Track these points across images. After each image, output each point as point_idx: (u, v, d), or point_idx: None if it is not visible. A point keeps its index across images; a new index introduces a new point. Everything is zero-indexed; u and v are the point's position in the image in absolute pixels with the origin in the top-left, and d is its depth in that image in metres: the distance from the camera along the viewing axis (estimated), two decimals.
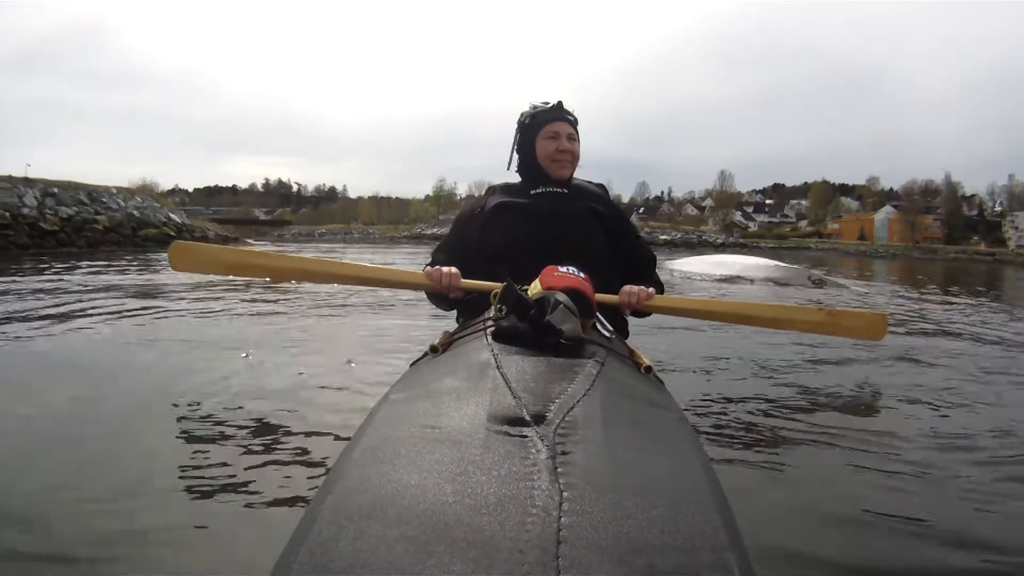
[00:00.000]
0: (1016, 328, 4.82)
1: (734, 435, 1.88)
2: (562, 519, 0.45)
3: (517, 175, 1.79)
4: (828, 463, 1.69)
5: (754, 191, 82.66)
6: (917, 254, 42.85)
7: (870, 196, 70.57)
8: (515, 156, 1.77)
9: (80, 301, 4.63)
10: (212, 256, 1.78)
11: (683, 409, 0.96)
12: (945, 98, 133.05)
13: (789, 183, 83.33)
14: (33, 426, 1.80)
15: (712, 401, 2.24)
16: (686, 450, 0.72)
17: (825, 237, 59.80)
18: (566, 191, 1.71)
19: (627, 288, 1.58)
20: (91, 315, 3.96)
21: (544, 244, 1.54)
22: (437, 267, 1.55)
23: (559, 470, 0.52)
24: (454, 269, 1.53)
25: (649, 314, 1.68)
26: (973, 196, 66.60)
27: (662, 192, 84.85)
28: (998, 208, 64.08)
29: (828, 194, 73.20)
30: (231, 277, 4.85)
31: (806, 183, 77.58)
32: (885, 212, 62.01)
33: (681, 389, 1.21)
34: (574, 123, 1.73)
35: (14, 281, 6.20)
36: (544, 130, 1.69)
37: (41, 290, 5.39)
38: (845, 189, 76.23)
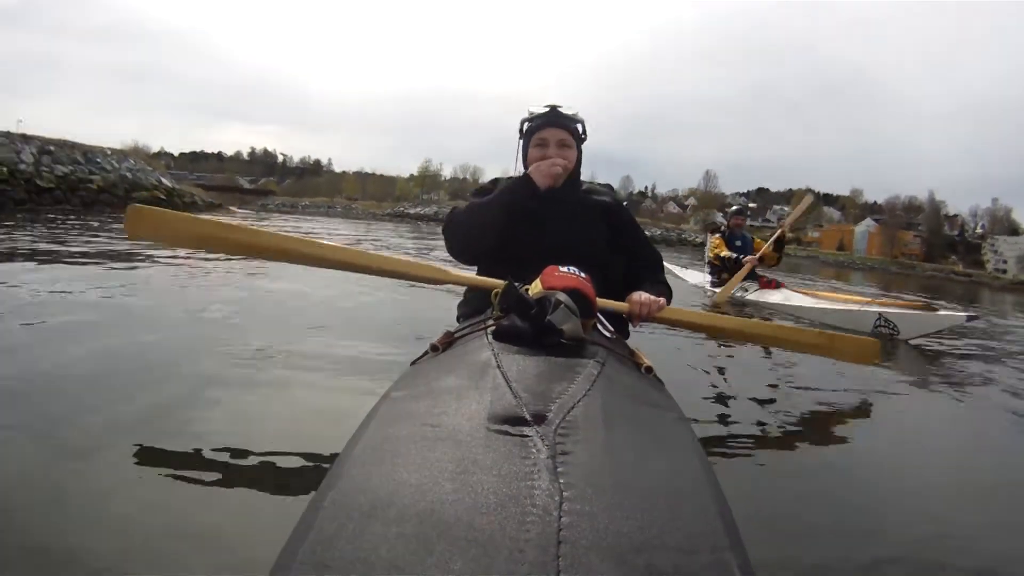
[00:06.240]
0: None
1: (734, 436, 1.89)
2: (562, 519, 0.46)
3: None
4: (828, 464, 1.71)
5: (738, 194, 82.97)
6: (895, 268, 43.60)
7: (853, 208, 71.77)
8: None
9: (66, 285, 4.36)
10: (175, 224, 1.54)
11: (683, 409, 0.96)
12: (935, 116, 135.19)
13: (774, 188, 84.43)
14: (22, 420, 1.68)
15: (712, 401, 2.25)
16: (686, 450, 0.72)
17: (805, 245, 60.51)
18: (571, 190, 1.67)
19: (636, 297, 1.49)
20: (77, 302, 3.71)
21: (546, 244, 1.50)
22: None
23: (559, 470, 0.52)
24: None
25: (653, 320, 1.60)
26: (955, 216, 67.98)
27: (646, 187, 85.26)
28: (979, 230, 65.30)
29: (812, 202, 73.73)
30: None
31: (790, 189, 78.34)
32: (866, 225, 63.11)
33: (681, 389, 1.21)
34: (570, 128, 1.66)
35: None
36: (533, 138, 1.66)
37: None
38: (829, 199, 77.28)
